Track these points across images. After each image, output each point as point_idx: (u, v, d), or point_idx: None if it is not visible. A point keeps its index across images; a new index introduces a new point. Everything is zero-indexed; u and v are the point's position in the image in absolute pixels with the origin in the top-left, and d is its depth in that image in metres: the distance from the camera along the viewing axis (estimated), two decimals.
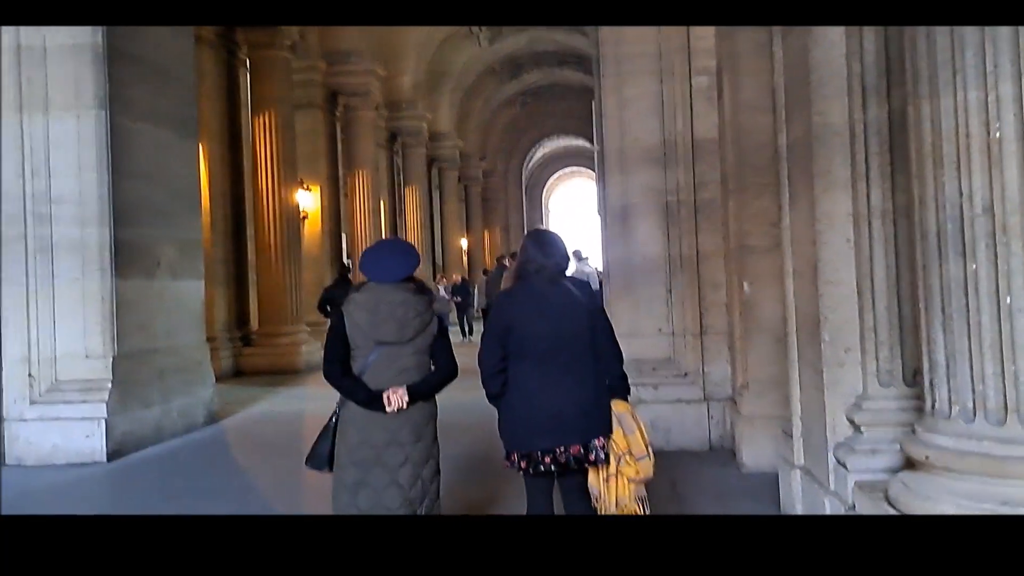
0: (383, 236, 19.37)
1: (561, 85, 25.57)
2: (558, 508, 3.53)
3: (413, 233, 22.20)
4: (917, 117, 2.73)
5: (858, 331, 3.52)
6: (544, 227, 4.59)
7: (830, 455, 3.60)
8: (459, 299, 19.02)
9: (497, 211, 31.11)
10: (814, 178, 3.62)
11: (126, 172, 7.11)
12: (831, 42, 3.52)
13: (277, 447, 7.57)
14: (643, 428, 3.43)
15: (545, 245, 3.47)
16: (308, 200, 15.93)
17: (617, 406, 3.41)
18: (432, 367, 3.44)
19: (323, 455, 3.42)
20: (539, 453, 3.32)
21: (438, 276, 22.03)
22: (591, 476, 3.40)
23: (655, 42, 6.32)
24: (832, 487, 3.58)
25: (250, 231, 13.73)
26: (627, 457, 3.35)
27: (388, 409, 3.27)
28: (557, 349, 3.33)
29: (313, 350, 13.59)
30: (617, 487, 3.37)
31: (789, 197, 4.03)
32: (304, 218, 15.12)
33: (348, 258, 18.93)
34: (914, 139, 2.78)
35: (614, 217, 6.48)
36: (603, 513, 3.38)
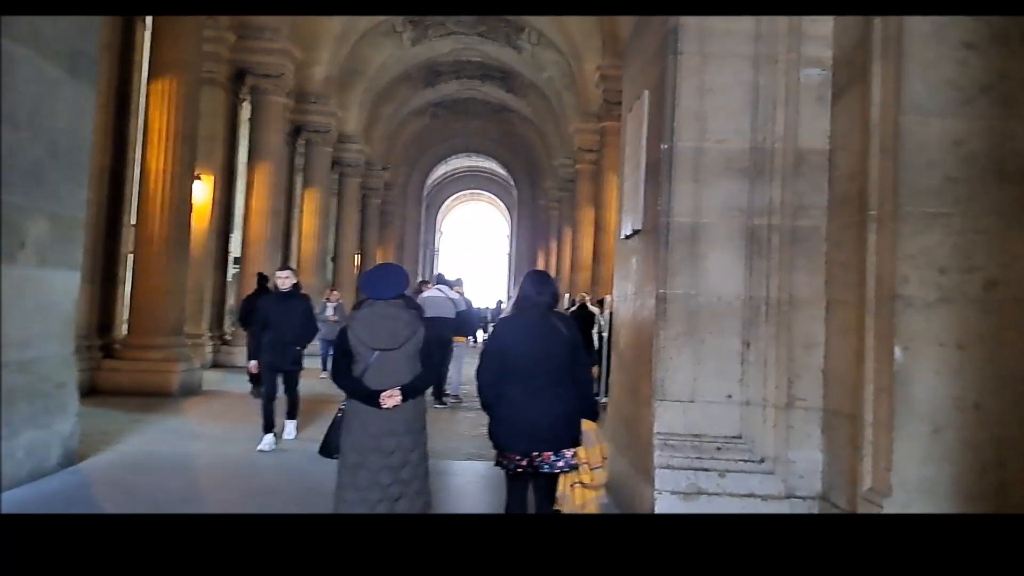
0: (278, 241, 17.27)
1: (479, 101, 24.04)
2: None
3: (307, 242, 19.89)
4: None
5: None
6: (541, 268, 3.92)
7: None
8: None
9: (393, 226, 29.00)
10: None
11: None
12: None
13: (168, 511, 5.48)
14: (604, 445, 4.14)
15: (539, 284, 4.17)
16: (199, 191, 13.62)
17: (585, 424, 4.06)
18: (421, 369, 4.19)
19: (335, 444, 4.22)
20: (516, 455, 3.97)
21: (326, 291, 19.48)
22: (560, 481, 4.04)
23: (752, 19, 4.83)
24: None
25: (127, 219, 11.36)
26: (585, 466, 4.03)
27: (384, 406, 4.02)
28: (540, 371, 3.96)
29: (192, 370, 11.29)
30: (582, 493, 4.04)
31: None
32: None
33: (236, 264, 16.61)
34: None
35: (679, 239, 4.84)
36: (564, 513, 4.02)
